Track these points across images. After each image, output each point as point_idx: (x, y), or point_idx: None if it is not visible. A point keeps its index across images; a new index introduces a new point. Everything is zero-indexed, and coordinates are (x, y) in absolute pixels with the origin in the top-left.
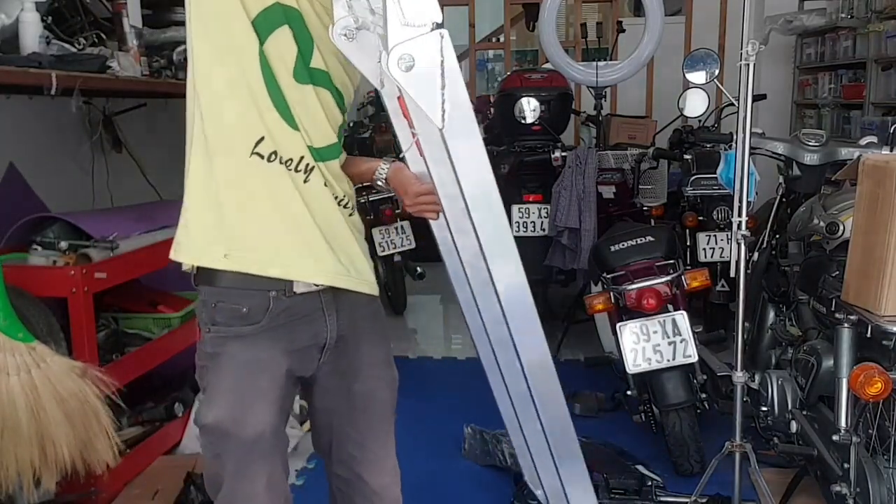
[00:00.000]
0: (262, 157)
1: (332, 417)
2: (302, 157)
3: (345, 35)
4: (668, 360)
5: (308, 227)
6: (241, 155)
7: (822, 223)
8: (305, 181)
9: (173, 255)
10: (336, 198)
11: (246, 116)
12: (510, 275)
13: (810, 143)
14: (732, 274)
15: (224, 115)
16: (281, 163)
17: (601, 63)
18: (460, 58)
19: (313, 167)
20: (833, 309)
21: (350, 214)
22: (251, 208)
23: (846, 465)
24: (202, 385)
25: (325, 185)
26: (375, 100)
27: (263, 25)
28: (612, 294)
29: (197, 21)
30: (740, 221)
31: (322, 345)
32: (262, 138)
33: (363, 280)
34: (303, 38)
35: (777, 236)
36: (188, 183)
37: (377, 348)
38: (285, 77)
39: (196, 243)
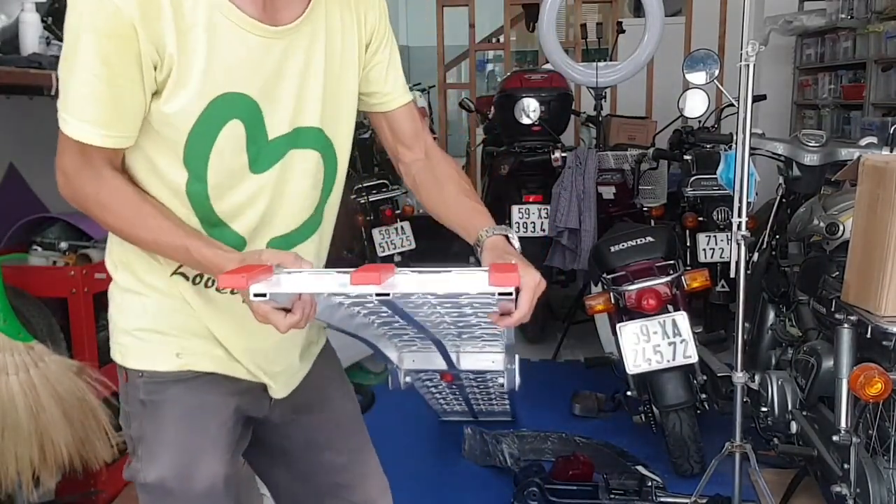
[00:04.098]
0: None
1: (306, 453)
2: None
3: None
4: (669, 361)
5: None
6: None
7: (822, 223)
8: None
9: None
10: None
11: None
12: None
13: (810, 144)
14: (732, 274)
15: None
16: None
17: (601, 64)
18: (460, 58)
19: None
20: (833, 309)
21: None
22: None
23: (846, 466)
24: (133, 435)
25: None
26: None
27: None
28: (612, 294)
29: None
30: (740, 222)
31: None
32: None
33: None
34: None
35: (777, 237)
36: None
37: (328, 369)
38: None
39: None
